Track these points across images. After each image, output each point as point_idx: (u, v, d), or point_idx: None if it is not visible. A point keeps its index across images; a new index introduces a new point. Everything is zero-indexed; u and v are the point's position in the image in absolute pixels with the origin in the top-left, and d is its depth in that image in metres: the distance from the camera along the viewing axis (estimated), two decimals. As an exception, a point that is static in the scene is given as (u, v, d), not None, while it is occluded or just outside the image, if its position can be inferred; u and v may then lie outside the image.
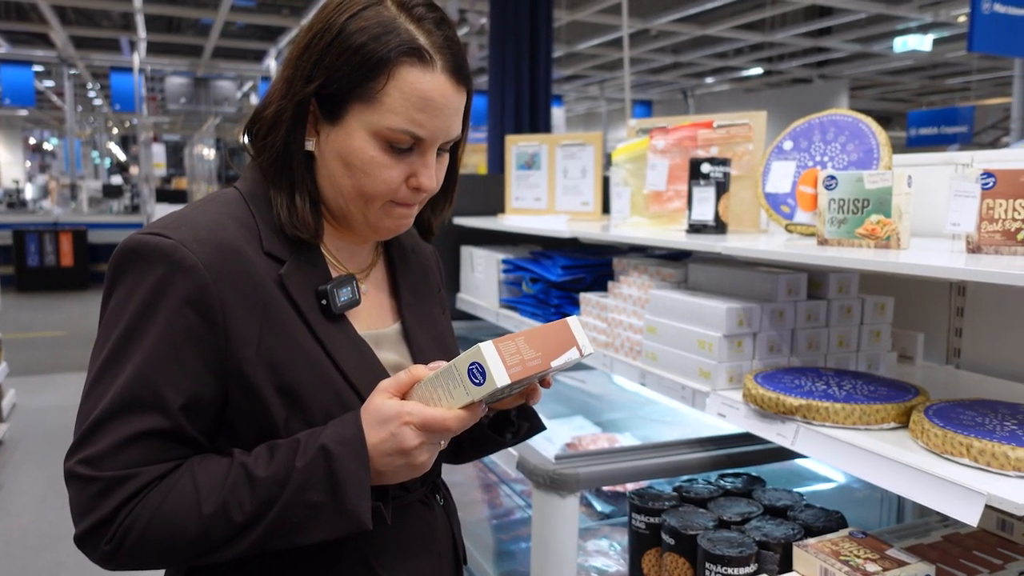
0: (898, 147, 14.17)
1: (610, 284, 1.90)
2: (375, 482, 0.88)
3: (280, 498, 0.84)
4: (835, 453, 1.17)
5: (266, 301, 0.90)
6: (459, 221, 2.78)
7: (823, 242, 1.36)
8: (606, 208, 2.51)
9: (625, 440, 2.31)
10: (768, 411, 1.27)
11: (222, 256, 0.89)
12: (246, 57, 15.34)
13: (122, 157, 24.90)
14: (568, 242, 2.56)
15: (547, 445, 2.40)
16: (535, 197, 2.68)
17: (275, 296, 0.91)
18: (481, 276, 2.64)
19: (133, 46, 13.85)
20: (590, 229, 2.03)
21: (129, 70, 13.95)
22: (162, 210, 16.88)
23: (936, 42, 12.33)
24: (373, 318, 1.04)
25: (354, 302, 0.98)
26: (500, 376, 0.83)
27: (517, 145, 2.71)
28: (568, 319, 0.93)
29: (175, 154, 22.62)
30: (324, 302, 0.94)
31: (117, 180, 18.30)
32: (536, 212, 2.65)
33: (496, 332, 2.67)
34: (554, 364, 0.88)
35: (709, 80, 17.94)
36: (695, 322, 1.51)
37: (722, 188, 1.69)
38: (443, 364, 0.88)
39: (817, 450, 1.20)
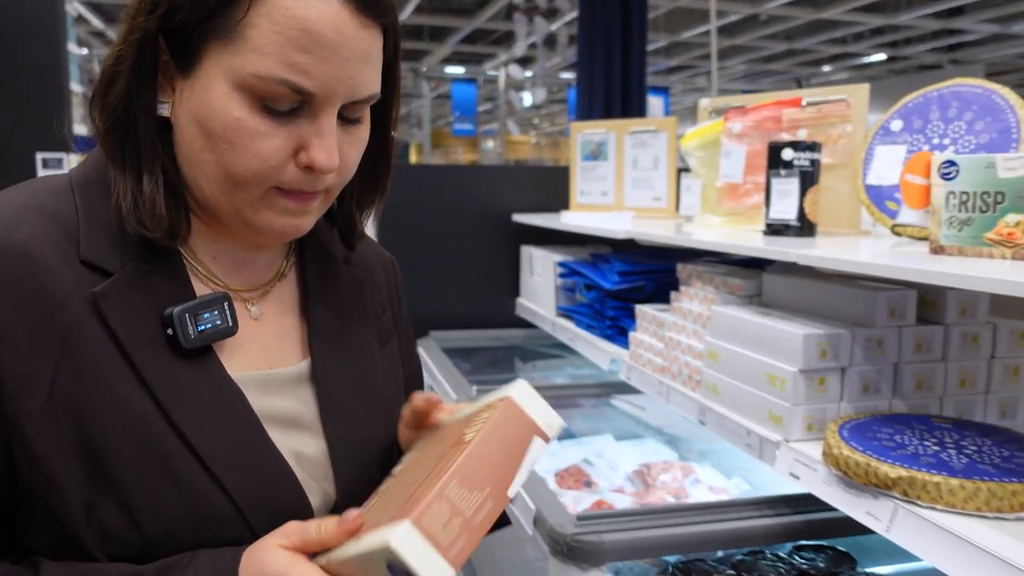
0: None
1: (672, 295, 1.58)
2: None
3: None
4: (948, 551, 0.82)
5: (65, 330, 0.65)
6: (519, 218, 2.50)
7: (938, 250, 1.01)
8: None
9: (705, 473, 1.97)
10: (856, 480, 0.94)
11: (2, 264, 0.64)
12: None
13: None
14: (636, 243, 2.24)
15: (609, 473, 2.11)
16: (602, 191, 2.37)
17: (83, 323, 0.66)
18: (539, 280, 2.36)
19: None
20: (654, 229, 1.71)
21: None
22: None
23: (1088, 19, 11.09)
24: (268, 353, 0.77)
25: (225, 331, 0.72)
26: (436, 570, 0.55)
27: (582, 133, 2.40)
28: (511, 392, 0.65)
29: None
30: (171, 331, 0.68)
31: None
32: (602, 208, 2.35)
33: (552, 343, 2.39)
34: (512, 491, 0.60)
35: (826, 68, 16.91)
36: (765, 350, 1.18)
37: (809, 179, 1.34)
38: (353, 542, 0.61)
39: (923, 544, 0.85)
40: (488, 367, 2.44)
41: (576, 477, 2.11)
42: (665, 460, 2.10)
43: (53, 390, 0.64)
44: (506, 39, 11.60)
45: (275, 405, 0.74)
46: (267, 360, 0.77)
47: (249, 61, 0.64)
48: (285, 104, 0.66)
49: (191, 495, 0.66)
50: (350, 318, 0.84)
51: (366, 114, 0.74)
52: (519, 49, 7.60)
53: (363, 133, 0.74)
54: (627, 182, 2.29)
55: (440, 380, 2.14)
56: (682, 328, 1.45)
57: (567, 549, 1.15)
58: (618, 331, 1.79)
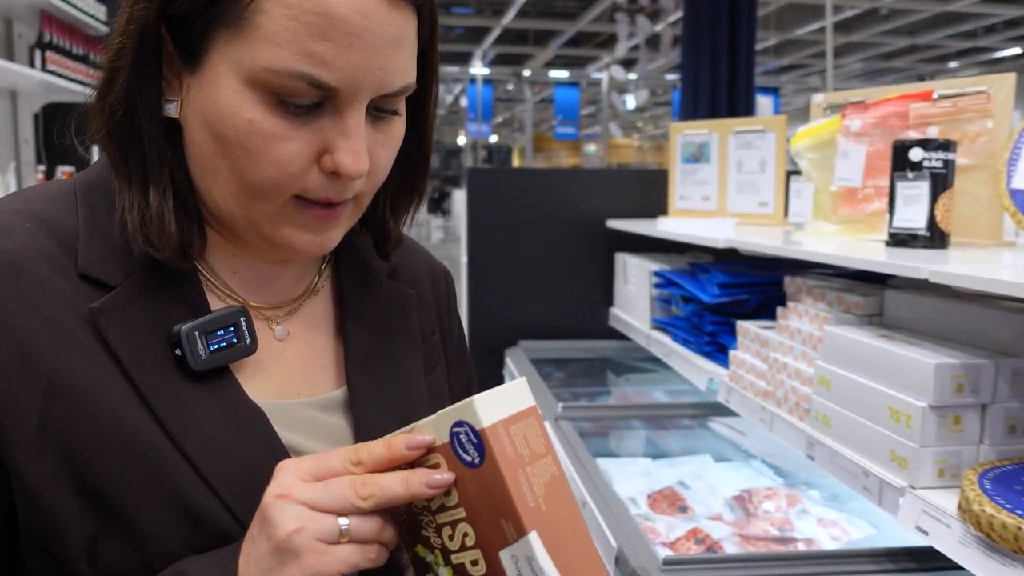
0: None
1: (779, 311, 1.43)
2: None
3: None
4: None
5: (58, 350, 0.58)
6: (613, 224, 2.38)
7: (1111, 268, 0.84)
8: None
9: (813, 504, 1.80)
10: (1004, 547, 0.78)
11: None
12: (453, 60, 15.73)
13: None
14: (739, 252, 2.08)
15: (707, 497, 1.96)
16: (703, 196, 2.22)
17: (80, 342, 0.59)
18: (633, 289, 2.23)
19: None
20: (759, 238, 1.56)
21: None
22: None
23: None
24: (294, 378, 0.69)
25: (242, 351, 0.64)
26: None
27: (683, 134, 2.26)
28: (483, 422, 0.54)
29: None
30: (179, 352, 0.61)
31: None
32: (703, 214, 2.20)
33: (646, 357, 2.25)
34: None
35: (952, 64, 15.88)
36: (887, 380, 1.02)
37: (941, 183, 1.17)
38: None
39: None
40: (578, 380, 2.33)
41: (670, 501, 1.97)
42: (769, 487, 1.93)
43: (46, 417, 0.57)
44: (610, 42, 11.43)
45: (301, 438, 0.66)
46: (294, 387, 0.68)
47: (260, 52, 0.56)
48: (304, 101, 0.58)
49: (206, 530, 0.59)
50: (393, 341, 0.75)
51: (401, 107, 0.65)
52: (620, 50, 7.44)
53: (397, 130, 0.65)
54: (731, 186, 2.13)
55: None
56: (789, 349, 1.30)
57: (652, 598, 1.03)
58: (717, 348, 1.65)
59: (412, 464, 0.55)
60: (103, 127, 0.61)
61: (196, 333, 0.61)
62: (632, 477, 2.01)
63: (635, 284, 2.21)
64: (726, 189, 2.14)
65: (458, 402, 0.55)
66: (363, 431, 0.69)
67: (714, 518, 1.84)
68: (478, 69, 13.99)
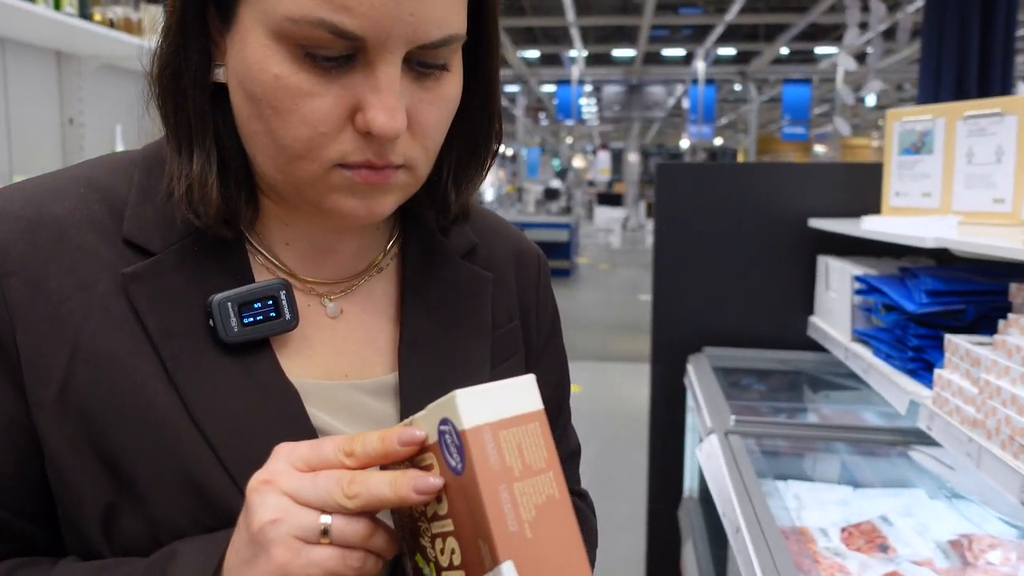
0: None
1: (1000, 324, 1.19)
2: None
3: None
4: None
5: (86, 312, 0.57)
6: (816, 224, 2.15)
7: None
8: (1034, 207, 1.68)
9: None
10: None
11: (30, 238, 0.58)
12: (675, 62, 15.41)
13: (579, 164, 27.19)
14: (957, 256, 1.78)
15: (915, 538, 1.70)
16: (923, 191, 1.93)
17: (109, 306, 0.57)
18: (835, 296, 1.99)
19: (573, 60, 14.82)
20: (986, 239, 1.31)
21: (568, 82, 14.97)
22: (602, 213, 18.29)
23: None
24: (343, 359, 0.64)
25: (280, 326, 0.60)
26: None
27: (900, 121, 1.98)
28: (464, 424, 0.46)
29: (617, 160, 24.06)
30: (212, 323, 0.58)
31: (556, 184, 19.97)
32: (923, 212, 1.91)
33: (847, 374, 2.00)
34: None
35: None
36: None
37: None
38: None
39: None
40: (764, 393, 2.12)
41: (868, 537, 1.73)
42: (994, 535, 1.64)
43: (68, 381, 0.56)
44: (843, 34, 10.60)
45: (340, 422, 0.61)
46: (342, 368, 0.64)
47: (281, 1, 0.51)
48: (332, 53, 0.52)
49: (216, 510, 0.56)
50: (458, 327, 0.68)
51: (452, 62, 0.58)
52: (850, 36, 6.82)
53: (448, 88, 0.58)
54: (958, 180, 1.83)
55: (701, 405, 1.89)
56: (1005, 371, 1.07)
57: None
58: (922, 365, 1.41)
59: (412, 462, 0.48)
60: (156, 92, 0.60)
61: (229, 304, 0.58)
62: (826, 505, 1.80)
63: (836, 290, 1.98)
64: (952, 184, 1.84)
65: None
66: (407, 411, 0.64)
67: (923, 563, 1.58)
68: (700, 67, 13.57)
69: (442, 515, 0.47)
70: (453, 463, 0.45)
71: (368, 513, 0.48)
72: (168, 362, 0.57)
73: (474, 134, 0.66)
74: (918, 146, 1.94)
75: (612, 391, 5.51)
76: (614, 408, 5.08)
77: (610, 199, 19.34)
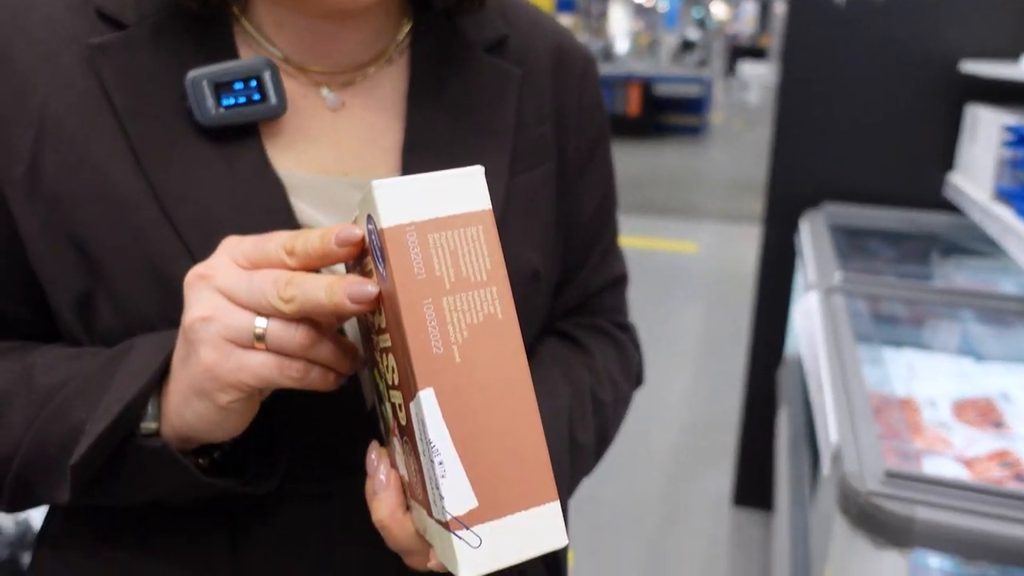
0: None
1: None
2: (178, 429, 0.48)
3: (39, 417, 0.50)
4: None
5: (51, 88, 0.52)
6: (969, 68, 1.87)
7: None
8: None
9: None
10: None
11: None
12: None
13: (721, 16, 25.35)
14: None
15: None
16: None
17: (74, 81, 0.52)
18: (980, 150, 1.76)
19: None
20: None
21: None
22: (747, 68, 17.15)
23: None
24: (341, 154, 0.58)
25: (265, 110, 0.54)
26: None
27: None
28: (382, 221, 0.38)
29: (765, 12, 22.30)
30: (189, 105, 0.53)
31: (693, 35, 18.73)
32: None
33: (983, 238, 1.79)
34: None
35: None
36: None
37: None
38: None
39: None
40: (882, 254, 1.94)
41: (983, 412, 1.61)
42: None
43: (35, 158, 0.53)
44: None
45: (329, 218, 0.56)
46: (341, 164, 0.58)
47: None
48: None
49: (181, 301, 0.51)
50: (472, 126, 0.61)
51: None
52: None
53: None
54: None
55: (807, 260, 1.75)
56: None
57: (861, 515, 0.80)
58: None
59: (361, 266, 0.43)
60: None
61: (204, 83, 0.53)
62: (940, 377, 1.67)
63: (982, 143, 1.74)
64: None
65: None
66: None
67: (1038, 445, 1.46)
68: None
69: (383, 328, 0.42)
70: (381, 269, 0.39)
71: (312, 320, 0.44)
72: (136, 143, 0.53)
73: None
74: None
75: (729, 252, 5.32)
76: (729, 269, 4.92)
77: (752, 53, 18.14)
